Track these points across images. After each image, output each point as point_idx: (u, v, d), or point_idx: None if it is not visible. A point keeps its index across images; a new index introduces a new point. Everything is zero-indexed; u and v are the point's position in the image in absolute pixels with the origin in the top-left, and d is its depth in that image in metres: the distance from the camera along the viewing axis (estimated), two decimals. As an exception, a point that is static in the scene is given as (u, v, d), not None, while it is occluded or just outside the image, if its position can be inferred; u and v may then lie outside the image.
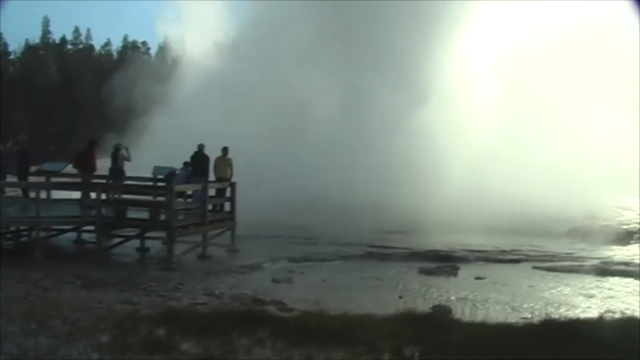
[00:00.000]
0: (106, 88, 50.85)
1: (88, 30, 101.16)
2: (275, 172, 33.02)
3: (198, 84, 45.16)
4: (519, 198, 29.21)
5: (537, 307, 17.15)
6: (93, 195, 22.54)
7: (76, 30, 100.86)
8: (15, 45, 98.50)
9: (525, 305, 17.37)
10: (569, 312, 16.08)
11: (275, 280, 19.35)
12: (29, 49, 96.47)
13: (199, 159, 23.98)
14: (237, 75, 42.11)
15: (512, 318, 15.02)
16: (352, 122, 37.30)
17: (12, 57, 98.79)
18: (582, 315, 15.52)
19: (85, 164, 23.57)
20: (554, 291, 19.63)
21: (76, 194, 24.14)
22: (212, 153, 24.57)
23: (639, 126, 34.10)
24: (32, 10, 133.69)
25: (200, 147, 24.27)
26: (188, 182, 22.96)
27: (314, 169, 33.86)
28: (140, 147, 34.47)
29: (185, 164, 23.63)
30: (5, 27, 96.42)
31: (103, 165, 24.99)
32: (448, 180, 31.65)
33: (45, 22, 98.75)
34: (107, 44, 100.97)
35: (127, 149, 24.38)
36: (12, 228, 22.80)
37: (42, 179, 24.08)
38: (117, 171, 23.65)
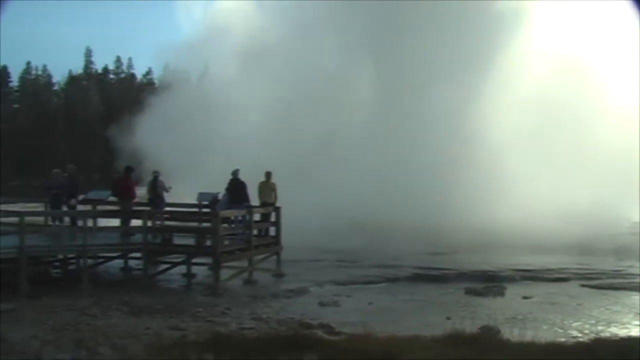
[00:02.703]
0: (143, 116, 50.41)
1: (129, 59, 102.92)
2: (313, 192, 33.17)
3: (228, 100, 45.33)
4: (561, 216, 28.94)
5: (586, 325, 16.97)
6: (134, 222, 22.81)
7: (118, 60, 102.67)
8: (59, 77, 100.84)
9: (574, 324, 17.15)
10: (619, 331, 15.91)
11: (321, 304, 19.27)
12: (72, 79, 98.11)
13: (235, 185, 23.67)
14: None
15: (561, 337, 14.91)
16: (389, 129, 37.11)
17: (56, 88, 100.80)
18: (633, 334, 15.33)
19: (123, 192, 23.77)
20: (603, 309, 19.28)
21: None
22: (255, 171, 24.73)
23: None
24: (74, 42, 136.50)
25: (235, 173, 23.86)
26: (228, 207, 23.02)
27: (351, 186, 33.81)
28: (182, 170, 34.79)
29: (227, 189, 23.70)
30: (49, 59, 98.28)
31: (142, 193, 25.33)
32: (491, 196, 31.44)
33: (88, 53, 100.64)
34: (149, 72, 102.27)
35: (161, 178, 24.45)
36: (61, 256, 23.19)
37: (88, 207, 24.37)
38: (157, 199, 23.79)
